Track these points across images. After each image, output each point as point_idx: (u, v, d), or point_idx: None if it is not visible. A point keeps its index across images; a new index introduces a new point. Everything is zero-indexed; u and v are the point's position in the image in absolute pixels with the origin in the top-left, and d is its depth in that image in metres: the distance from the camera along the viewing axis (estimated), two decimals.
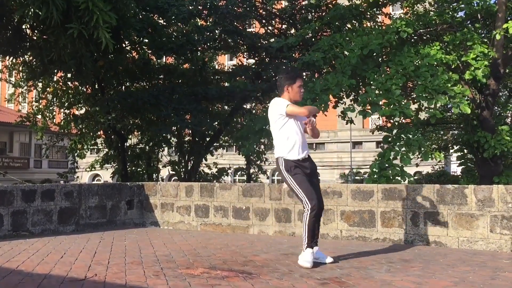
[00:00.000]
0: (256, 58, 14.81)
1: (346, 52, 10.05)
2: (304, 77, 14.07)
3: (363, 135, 37.23)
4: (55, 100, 14.66)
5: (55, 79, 14.07)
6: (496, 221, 5.36)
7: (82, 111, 14.69)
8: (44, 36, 8.79)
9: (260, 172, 19.17)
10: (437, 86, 8.69)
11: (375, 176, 8.69)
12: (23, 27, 9.02)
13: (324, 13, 13.86)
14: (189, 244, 5.71)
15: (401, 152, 8.83)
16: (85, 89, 13.83)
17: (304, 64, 10.33)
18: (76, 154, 15.35)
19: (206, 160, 15.88)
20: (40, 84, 14.68)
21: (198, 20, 14.04)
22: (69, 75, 12.32)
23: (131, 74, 13.39)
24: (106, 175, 23.90)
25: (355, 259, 4.75)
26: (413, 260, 4.72)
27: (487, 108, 10.48)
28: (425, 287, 3.56)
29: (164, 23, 13.01)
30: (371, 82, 9.41)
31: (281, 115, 4.44)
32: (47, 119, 15.72)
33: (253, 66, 14.68)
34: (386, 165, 8.72)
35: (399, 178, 8.58)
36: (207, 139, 15.28)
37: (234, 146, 17.79)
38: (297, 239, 6.20)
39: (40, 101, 15.68)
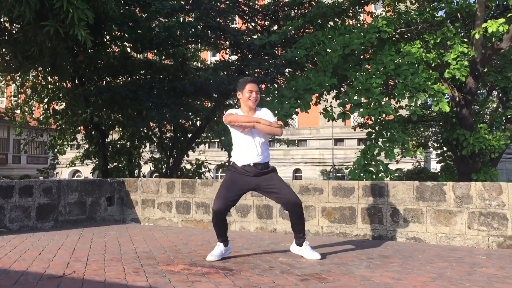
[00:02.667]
0: (239, 55, 14.78)
1: (328, 50, 10.09)
2: (287, 74, 14.11)
3: (345, 132, 37.45)
4: (34, 95, 14.45)
5: (34, 73, 13.85)
6: (474, 218, 5.44)
7: (62, 106, 14.50)
8: (23, 30, 8.64)
9: None
10: (417, 84, 8.79)
11: (359, 171, 8.75)
12: (1, 20, 8.85)
13: (307, 11, 13.90)
14: (170, 240, 5.69)
15: (385, 148, 8.91)
16: (64, 84, 13.65)
17: (287, 61, 10.35)
18: (56, 150, 15.14)
19: (188, 156, 15.80)
20: (18, 79, 14.44)
21: (181, 15, 13.95)
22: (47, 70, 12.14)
23: (112, 69, 13.25)
24: (86, 171, 23.63)
25: (335, 255, 4.78)
26: (392, 256, 4.77)
27: (466, 106, 10.64)
28: (403, 283, 3.60)
29: (146, 17, 12.89)
30: (352, 81, 9.48)
31: (225, 115, 4.60)
32: (26, 114, 15.47)
33: (236, 62, 14.65)
34: (372, 161, 8.79)
35: (383, 174, 8.66)
36: (189, 135, 15.21)
37: (217, 143, 17.74)
38: (278, 235, 6.23)
39: (19, 95, 15.43)
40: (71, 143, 15.61)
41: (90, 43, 7.57)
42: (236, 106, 16.43)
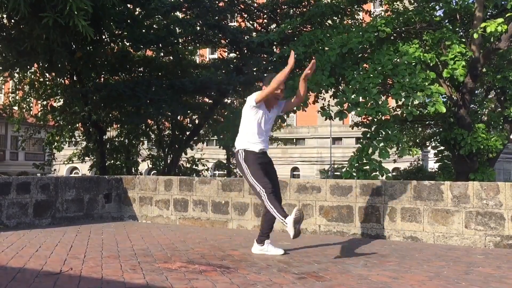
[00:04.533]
0: (237, 53, 14.77)
1: (326, 48, 10.09)
2: None
3: (343, 131, 37.44)
4: (32, 91, 14.40)
5: (32, 70, 13.82)
6: (471, 217, 5.45)
7: (60, 103, 14.46)
8: (21, 26, 8.60)
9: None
10: (414, 84, 8.80)
11: (353, 170, 8.76)
12: None
13: (305, 9, 13.89)
14: (167, 238, 5.69)
15: (379, 147, 8.92)
16: (62, 81, 13.61)
17: (284, 58, 10.33)
18: (53, 147, 15.11)
19: (186, 154, 15.79)
20: (16, 76, 14.40)
21: (179, 13, 13.93)
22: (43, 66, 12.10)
23: (110, 66, 13.23)
24: (84, 168, 23.57)
25: (332, 253, 4.79)
26: (389, 255, 4.78)
27: (464, 106, 10.64)
28: (400, 282, 3.61)
29: (145, 14, 12.86)
30: (350, 81, 9.48)
31: (252, 106, 4.55)
32: (24, 110, 15.43)
33: (234, 60, 14.64)
34: (365, 160, 8.80)
35: (377, 173, 8.67)
36: (187, 133, 15.20)
37: (215, 141, 17.75)
38: (275, 234, 6.21)
39: (17, 92, 15.38)
40: (69, 140, 15.58)
41: (91, 32, 7.49)
42: (234, 104, 16.48)
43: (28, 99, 15.14)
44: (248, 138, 4.58)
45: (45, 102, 14.38)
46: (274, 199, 4.40)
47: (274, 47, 13.83)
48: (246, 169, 4.52)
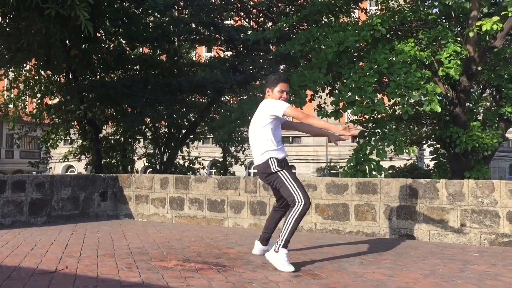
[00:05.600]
0: (233, 51, 14.76)
1: (322, 46, 10.09)
2: (281, 70, 14.10)
3: None
4: (27, 89, 14.35)
5: (27, 67, 13.76)
6: (466, 215, 5.47)
7: (56, 101, 14.41)
8: (16, 24, 8.56)
9: (236, 162, 19.08)
10: (410, 83, 8.81)
11: (352, 170, 8.78)
12: None
13: (301, 6, 13.88)
14: (163, 236, 5.68)
15: (377, 147, 8.94)
16: (58, 79, 13.57)
17: (281, 57, 10.34)
18: (49, 145, 15.05)
19: (182, 152, 15.77)
20: (11, 74, 14.33)
21: (175, 12, 13.90)
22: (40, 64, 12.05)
23: (106, 64, 13.19)
24: (80, 166, 23.54)
25: (328, 251, 4.80)
26: (385, 253, 4.79)
27: (459, 105, 10.68)
28: (396, 280, 3.62)
29: (140, 14, 12.84)
30: (346, 79, 9.49)
31: (275, 116, 4.23)
32: (19, 108, 15.37)
33: (230, 58, 14.63)
34: (363, 159, 8.81)
35: (375, 173, 8.69)
36: (183, 131, 15.18)
37: (211, 139, 17.73)
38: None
39: (12, 90, 15.31)
40: (65, 138, 15.54)
41: (91, 27, 7.45)
42: (231, 102, 16.45)
43: (23, 97, 15.08)
44: (272, 146, 4.27)
45: (40, 100, 14.32)
46: (303, 217, 4.14)
47: (270, 45, 13.83)
48: (285, 175, 4.19)
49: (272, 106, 4.24)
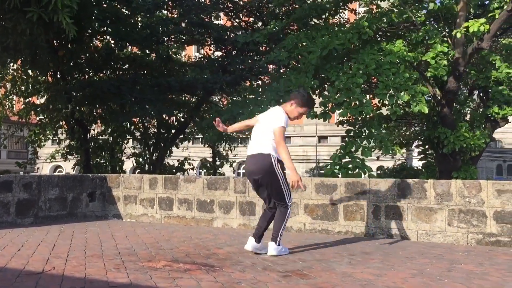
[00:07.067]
0: (222, 51, 14.74)
1: (308, 52, 10.12)
2: (271, 71, 14.10)
3: (328, 130, 37.61)
4: (15, 89, 14.21)
5: (14, 66, 13.63)
6: (454, 215, 5.51)
7: (44, 99, 14.29)
8: (3, 22, 8.46)
9: (225, 162, 19.08)
10: (398, 84, 8.87)
11: (336, 167, 8.80)
12: None
13: (291, 7, 13.88)
14: (152, 237, 5.65)
15: (362, 145, 8.98)
16: (46, 78, 13.45)
17: (269, 62, 10.36)
18: (36, 145, 14.92)
19: (171, 152, 15.72)
20: None
21: (164, 11, 13.85)
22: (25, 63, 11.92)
23: (94, 64, 13.11)
24: (68, 166, 23.32)
25: (317, 251, 4.81)
26: (373, 252, 4.81)
27: (447, 105, 10.75)
28: (384, 279, 3.64)
29: (129, 13, 12.77)
30: (334, 81, 9.52)
31: (283, 125, 4.51)
32: (6, 108, 15.22)
33: (219, 59, 14.60)
34: (347, 157, 8.85)
35: (359, 171, 8.72)
36: (173, 131, 15.14)
37: (201, 139, 17.68)
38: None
39: None
40: (53, 138, 15.41)
41: (73, 31, 7.38)
42: (220, 105, 16.40)
43: (10, 96, 14.93)
44: (274, 148, 4.51)
45: (27, 99, 14.19)
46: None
47: (260, 45, 13.82)
48: (281, 175, 4.49)
49: (285, 120, 4.54)
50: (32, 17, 7.29)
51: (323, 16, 12.50)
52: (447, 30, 11.43)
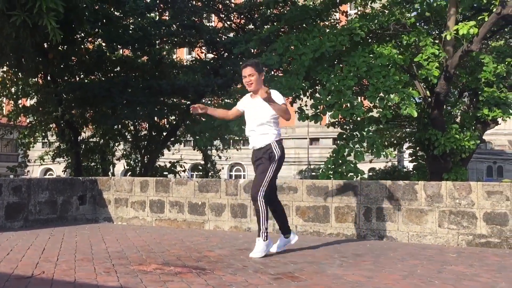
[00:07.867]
0: (214, 53, 14.74)
1: (299, 54, 10.14)
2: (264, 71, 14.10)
3: (320, 132, 37.72)
4: (4, 91, 14.10)
5: (4, 68, 13.53)
6: (444, 216, 5.54)
7: (34, 101, 14.19)
8: None
9: (214, 169, 19.09)
10: (389, 87, 8.92)
11: (330, 172, 8.83)
12: None
13: (282, 9, 13.91)
14: (143, 240, 5.63)
15: (354, 149, 9.02)
16: (36, 81, 13.37)
17: (263, 65, 10.37)
18: (26, 148, 14.80)
19: (163, 155, 15.67)
20: None
21: (156, 14, 13.82)
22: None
23: (85, 66, 13.05)
24: (58, 169, 23.16)
25: (308, 254, 4.81)
26: (365, 254, 4.82)
27: (438, 107, 10.83)
28: (375, 281, 3.64)
29: (120, 15, 12.74)
30: (325, 83, 9.55)
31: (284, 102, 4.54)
32: None
33: (211, 61, 14.60)
34: (340, 161, 8.88)
35: (352, 175, 8.76)
36: (164, 133, 15.09)
37: (192, 141, 17.65)
38: (253, 234, 6.20)
39: None
40: (43, 140, 15.31)
41: (58, 36, 7.32)
42: (212, 105, 16.39)
43: (0, 99, 14.83)
44: (278, 129, 4.59)
45: (17, 102, 14.09)
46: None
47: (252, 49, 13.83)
48: (273, 166, 4.53)
49: (278, 94, 4.54)
50: (16, 20, 7.22)
51: (317, 19, 12.53)
52: (436, 32, 11.51)
